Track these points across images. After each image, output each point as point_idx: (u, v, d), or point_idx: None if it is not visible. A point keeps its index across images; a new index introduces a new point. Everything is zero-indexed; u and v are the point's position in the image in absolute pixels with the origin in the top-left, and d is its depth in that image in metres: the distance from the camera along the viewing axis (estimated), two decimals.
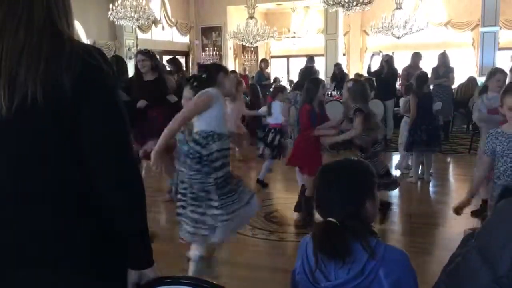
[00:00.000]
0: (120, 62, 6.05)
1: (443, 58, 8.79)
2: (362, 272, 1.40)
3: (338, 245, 1.41)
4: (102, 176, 1.22)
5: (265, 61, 11.86)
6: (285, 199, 5.44)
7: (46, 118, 1.16)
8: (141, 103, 5.13)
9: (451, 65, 8.78)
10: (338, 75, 10.83)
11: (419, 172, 6.26)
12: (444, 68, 8.64)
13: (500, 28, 12.61)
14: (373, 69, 9.40)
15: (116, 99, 1.26)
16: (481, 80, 9.57)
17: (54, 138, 1.19)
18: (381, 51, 10.26)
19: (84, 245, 1.25)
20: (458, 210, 2.91)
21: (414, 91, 6.05)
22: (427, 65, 9.26)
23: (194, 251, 3.22)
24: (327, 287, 1.44)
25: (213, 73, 3.24)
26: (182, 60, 15.69)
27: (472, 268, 1.37)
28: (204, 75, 3.25)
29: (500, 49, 12.44)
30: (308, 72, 9.14)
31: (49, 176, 1.21)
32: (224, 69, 3.37)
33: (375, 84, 9.34)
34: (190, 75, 11.69)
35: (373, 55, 10.12)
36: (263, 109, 6.37)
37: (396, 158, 8.07)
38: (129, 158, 1.27)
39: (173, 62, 7.88)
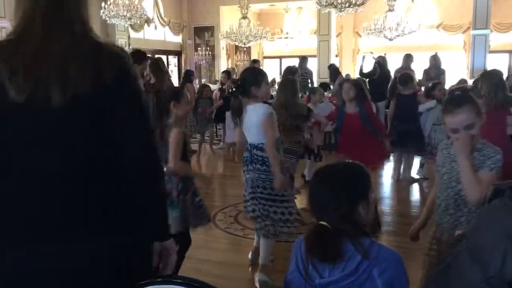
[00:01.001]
0: None
1: (434, 60, 8.87)
2: (356, 271, 1.41)
3: (328, 249, 1.43)
4: (134, 156, 1.45)
5: (256, 62, 11.85)
6: None
7: (91, 110, 1.37)
8: None
9: (442, 67, 8.85)
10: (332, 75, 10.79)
11: (401, 171, 6.38)
12: (435, 70, 8.71)
13: (491, 31, 12.72)
14: (365, 70, 9.42)
15: (142, 98, 1.51)
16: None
17: (97, 126, 1.39)
18: (372, 52, 10.28)
19: (119, 212, 1.45)
20: (414, 237, 2.51)
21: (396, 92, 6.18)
22: (419, 67, 9.32)
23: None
24: (321, 283, 1.45)
25: (248, 85, 3.29)
26: (174, 60, 15.69)
27: (462, 268, 1.38)
28: (241, 85, 3.34)
29: (491, 52, 12.56)
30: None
31: (95, 155, 1.41)
32: (258, 81, 3.32)
33: (367, 85, 9.38)
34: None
35: (364, 56, 10.14)
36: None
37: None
38: (152, 140, 1.53)
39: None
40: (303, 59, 10.29)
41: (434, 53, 9.29)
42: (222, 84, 9.41)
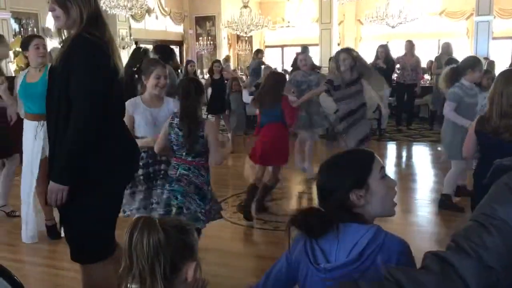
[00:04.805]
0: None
1: (447, 48, 8.79)
2: (360, 257, 1.41)
3: (314, 225, 1.46)
4: None
5: (260, 52, 11.78)
6: (277, 188, 5.44)
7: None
8: None
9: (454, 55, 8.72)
10: None
11: None
12: (446, 57, 8.61)
13: (495, 17, 12.58)
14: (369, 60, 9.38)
15: None
16: None
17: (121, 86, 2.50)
18: None
19: None
20: None
21: None
22: (422, 54, 9.26)
23: None
24: (327, 268, 1.44)
25: None
26: (176, 50, 15.64)
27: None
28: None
29: (494, 38, 12.43)
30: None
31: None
32: None
33: None
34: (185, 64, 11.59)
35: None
36: None
37: (390, 147, 8.09)
38: None
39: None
40: (304, 49, 10.23)
41: (439, 40, 9.22)
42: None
